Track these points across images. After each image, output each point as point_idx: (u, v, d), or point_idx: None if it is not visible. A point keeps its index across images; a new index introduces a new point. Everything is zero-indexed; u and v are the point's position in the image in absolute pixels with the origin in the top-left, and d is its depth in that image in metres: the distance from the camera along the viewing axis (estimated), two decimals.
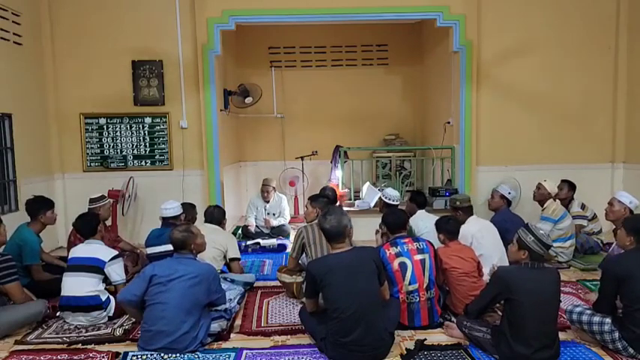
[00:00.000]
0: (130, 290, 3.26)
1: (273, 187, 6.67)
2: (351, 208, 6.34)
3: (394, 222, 3.76)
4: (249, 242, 6.03)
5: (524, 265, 3.05)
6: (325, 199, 4.55)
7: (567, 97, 6.37)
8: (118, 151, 6.30)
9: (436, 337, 3.38)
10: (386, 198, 4.83)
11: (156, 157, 6.32)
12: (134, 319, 3.59)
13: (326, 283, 3.04)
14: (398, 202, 4.84)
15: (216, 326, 3.36)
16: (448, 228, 3.85)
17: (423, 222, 4.59)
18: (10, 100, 5.35)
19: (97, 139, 6.26)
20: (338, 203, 5.40)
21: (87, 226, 3.91)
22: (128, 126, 6.27)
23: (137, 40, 6.11)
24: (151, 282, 3.19)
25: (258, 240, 6.08)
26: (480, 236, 4.21)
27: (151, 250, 4.47)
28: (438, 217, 4.15)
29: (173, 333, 3.10)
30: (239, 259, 4.50)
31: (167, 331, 3.10)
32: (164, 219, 4.57)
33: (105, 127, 6.25)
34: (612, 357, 3.08)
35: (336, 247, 3.19)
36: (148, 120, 6.26)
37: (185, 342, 3.13)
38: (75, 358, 3.17)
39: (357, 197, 6.76)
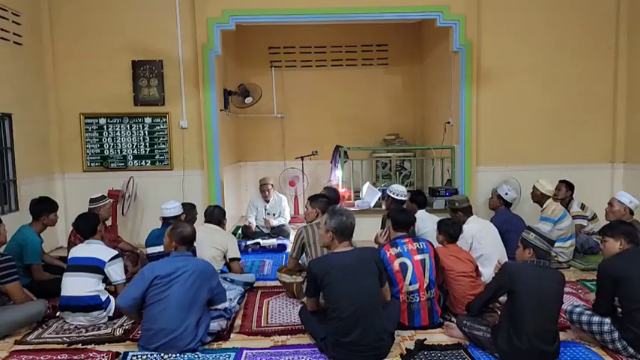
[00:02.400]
0: (130, 294, 3.22)
1: (272, 185, 6.67)
2: (351, 208, 6.33)
3: (404, 220, 3.76)
4: (249, 242, 6.03)
5: (530, 262, 3.10)
6: (325, 199, 4.54)
7: (567, 97, 6.36)
8: (118, 151, 6.30)
9: (436, 337, 3.39)
10: (393, 194, 4.82)
11: (156, 157, 6.32)
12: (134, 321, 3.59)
13: (327, 282, 3.04)
14: (405, 198, 4.84)
15: (215, 325, 3.36)
16: (450, 232, 3.86)
17: (424, 222, 4.59)
18: (10, 100, 5.35)
19: (97, 139, 6.26)
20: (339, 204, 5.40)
21: (87, 226, 3.91)
22: (128, 126, 6.27)
23: (137, 40, 6.11)
24: (152, 283, 3.17)
25: (258, 240, 6.08)
26: (480, 236, 4.22)
27: (151, 250, 4.47)
28: (438, 217, 4.15)
29: (174, 330, 3.10)
30: (239, 259, 4.50)
31: (168, 329, 3.10)
32: (164, 219, 4.57)
33: (105, 127, 6.24)
34: (612, 357, 3.08)
35: (340, 246, 3.18)
36: (148, 120, 6.26)
37: (186, 340, 3.13)
38: (75, 358, 3.17)
39: (356, 197, 6.76)
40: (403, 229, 3.73)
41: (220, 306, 3.47)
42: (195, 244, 4.18)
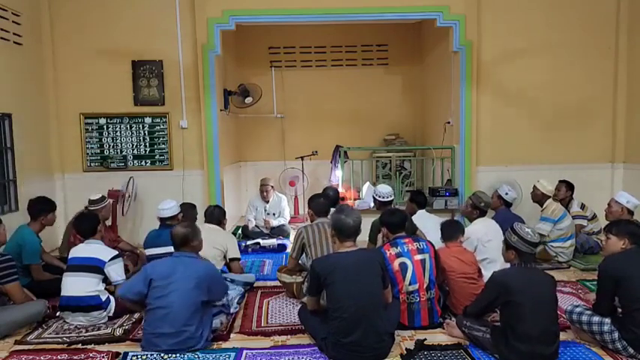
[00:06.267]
0: (132, 289, 3.24)
1: (272, 186, 6.68)
2: None
3: (398, 221, 3.74)
4: (249, 242, 6.02)
5: (517, 265, 3.10)
6: (321, 199, 4.52)
7: (567, 97, 6.36)
8: (118, 151, 6.29)
9: (436, 337, 3.39)
10: (378, 196, 4.79)
11: (156, 157, 6.31)
12: (134, 319, 3.58)
13: (329, 282, 3.04)
14: (392, 198, 4.81)
15: (217, 322, 3.37)
16: (460, 228, 3.89)
17: (424, 222, 4.58)
18: (10, 100, 5.34)
19: (97, 139, 6.25)
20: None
21: (87, 226, 3.91)
22: (128, 126, 6.27)
23: (137, 40, 6.11)
24: (150, 285, 3.16)
25: (258, 240, 6.08)
26: (486, 240, 4.19)
27: (149, 252, 4.45)
28: (438, 217, 4.14)
29: (178, 335, 3.09)
30: (239, 259, 4.49)
31: (171, 334, 3.09)
32: (161, 219, 4.56)
33: (105, 127, 6.24)
34: (612, 357, 3.08)
35: (344, 246, 3.18)
36: (148, 120, 6.26)
37: (191, 342, 3.13)
38: (75, 358, 3.17)
39: (356, 197, 6.76)
40: (400, 229, 3.73)
41: (219, 302, 3.47)
42: None
